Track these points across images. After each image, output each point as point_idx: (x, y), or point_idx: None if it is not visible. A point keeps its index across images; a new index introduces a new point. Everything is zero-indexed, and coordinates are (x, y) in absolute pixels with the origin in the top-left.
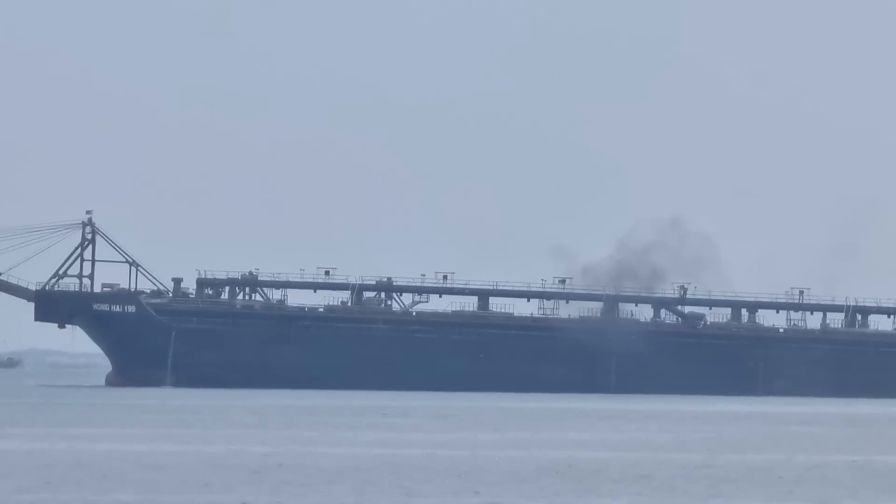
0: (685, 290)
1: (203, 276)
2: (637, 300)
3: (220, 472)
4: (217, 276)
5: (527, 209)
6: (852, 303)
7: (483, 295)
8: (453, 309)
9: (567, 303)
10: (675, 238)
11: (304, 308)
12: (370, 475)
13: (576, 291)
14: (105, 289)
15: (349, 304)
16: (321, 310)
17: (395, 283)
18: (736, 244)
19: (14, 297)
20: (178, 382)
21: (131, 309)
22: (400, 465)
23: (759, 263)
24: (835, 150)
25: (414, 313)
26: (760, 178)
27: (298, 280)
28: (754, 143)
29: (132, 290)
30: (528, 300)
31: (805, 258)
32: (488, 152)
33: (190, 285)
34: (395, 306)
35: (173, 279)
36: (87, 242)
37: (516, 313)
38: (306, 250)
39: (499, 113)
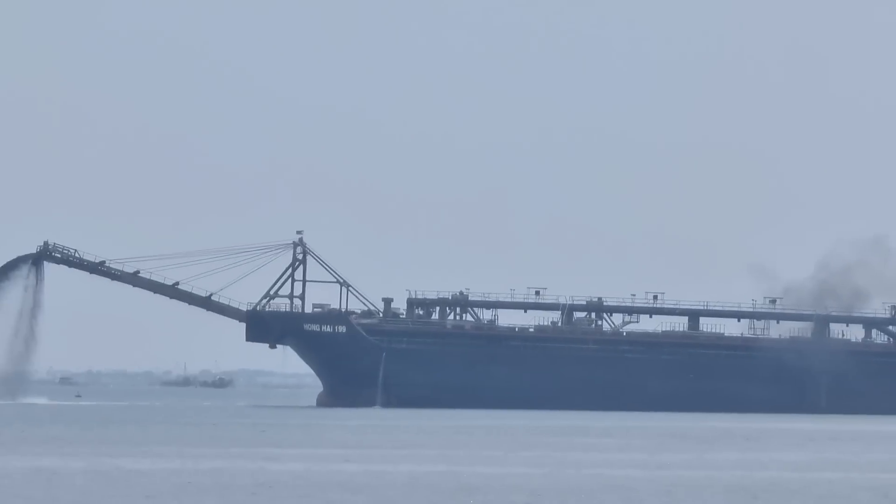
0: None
1: (413, 297)
2: (847, 320)
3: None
4: (427, 297)
5: (728, 227)
6: None
7: (693, 315)
8: (663, 329)
9: (777, 323)
10: (877, 257)
11: (514, 328)
12: (633, 494)
13: (786, 311)
14: (316, 309)
15: (559, 324)
16: (531, 330)
17: (605, 304)
18: None
19: (226, 318)
20: (389, 403)
21: (342, 329)
22: (675, 484)
23: None
24: None
25: (624, 333)
26: None
27: (509, 300)
28: None
29: (343, 310)
30: (739, 320)
31: None
32: (691, 172)
33: (400, 305)
34: (606, 326)
35: (384, 299)
36: (297, 263)
37: (726, 333)
38: (517, 270)
39: (701, 131)
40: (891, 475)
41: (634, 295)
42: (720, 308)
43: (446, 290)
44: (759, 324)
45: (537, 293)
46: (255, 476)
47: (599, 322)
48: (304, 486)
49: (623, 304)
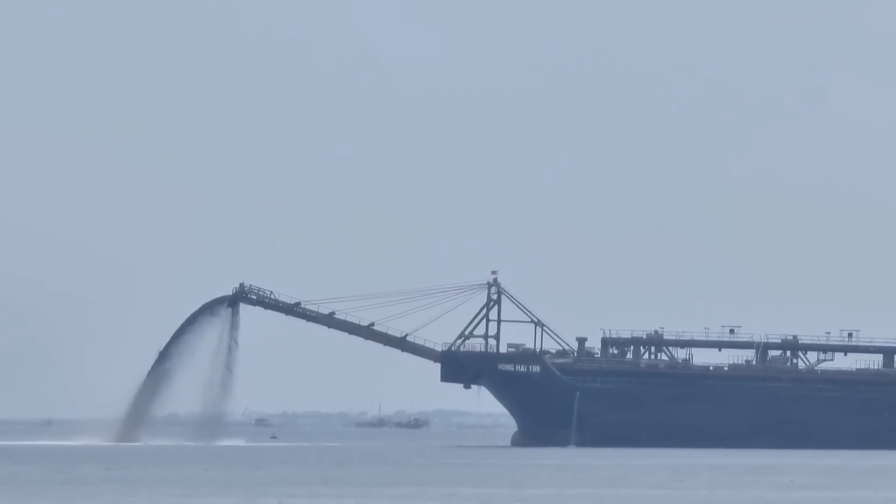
0: None
1: (608, 336)
2: None
3: None
4: (622, 336)
5: None
6: None
7: (888, 352)
8: (858, 367)
9: None
10: None
11: (708, 367)
12: None
13: None
14: (510, 349)
15: (754, 362)
16: (726, 368)
17: (800, 342)
18: None
19: (420, 359)
20: (583, 442)
21: (536, 369)
22: None
23: None
24: None
25: (819, 371)
26: None
27: (703, 339)
28: None
29: (537, 350)
30: None
31: None
32: (879, 204)
33: (595, 345)
34: (801, 365)
35: (577, 339)
36: (492, 303)
37: None
38: (711, 308)
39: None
40: None
41: (829, 333)
42: None
43: (640, 329)
44: None
45: (731, 331)
46: None
47: (794, 360)
48: None
49: (818, 342)
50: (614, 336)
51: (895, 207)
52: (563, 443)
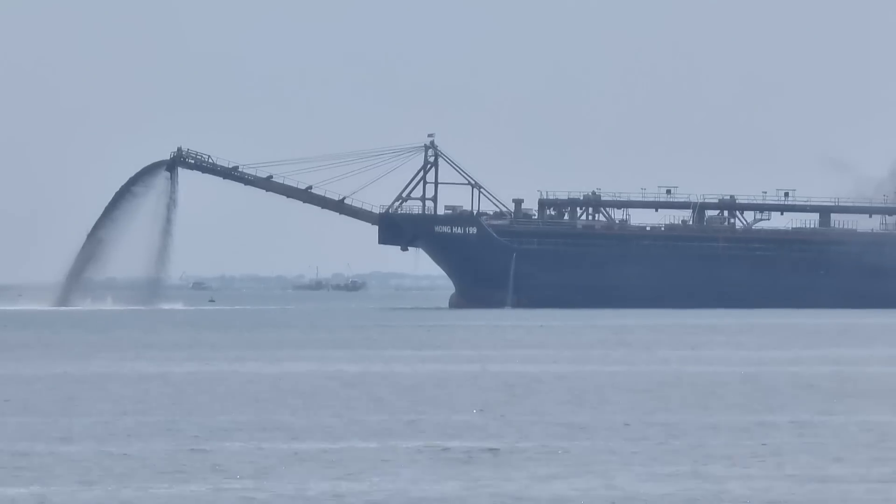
0: None
1: (545, 197)
2: None
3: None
4: (559, 197)
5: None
6: None
7: (824, 211)
8: (794, 226)
9: None
10: None
11: (645, 227)
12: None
13: None
14: (447, 211)
15: (690, 222)
16: (662, 228)
17: (737, 201)
18: None
19: (358, 221)
20: (520, 303)
21: (473, 231)
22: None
23: None
24: None
25: (755, 230)
26: None
27: (640, 199)
28: None
29: (474, 212)
30: (870, 216)
31: None
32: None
33: (532, 206)
34: (738, 224)
35: (514, 200)
36: (429, 165)
37: (859, 229)
38: (648, 169)
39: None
40: None
41: (766, 192)
42: (851, 204)
43: (578, 190)
44: (892, 219)
45: (668, 192)
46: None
47: (731, 220)
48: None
49: (754, 202)
50: (551, 197)
51: (833, 65)
52: (499, 304)
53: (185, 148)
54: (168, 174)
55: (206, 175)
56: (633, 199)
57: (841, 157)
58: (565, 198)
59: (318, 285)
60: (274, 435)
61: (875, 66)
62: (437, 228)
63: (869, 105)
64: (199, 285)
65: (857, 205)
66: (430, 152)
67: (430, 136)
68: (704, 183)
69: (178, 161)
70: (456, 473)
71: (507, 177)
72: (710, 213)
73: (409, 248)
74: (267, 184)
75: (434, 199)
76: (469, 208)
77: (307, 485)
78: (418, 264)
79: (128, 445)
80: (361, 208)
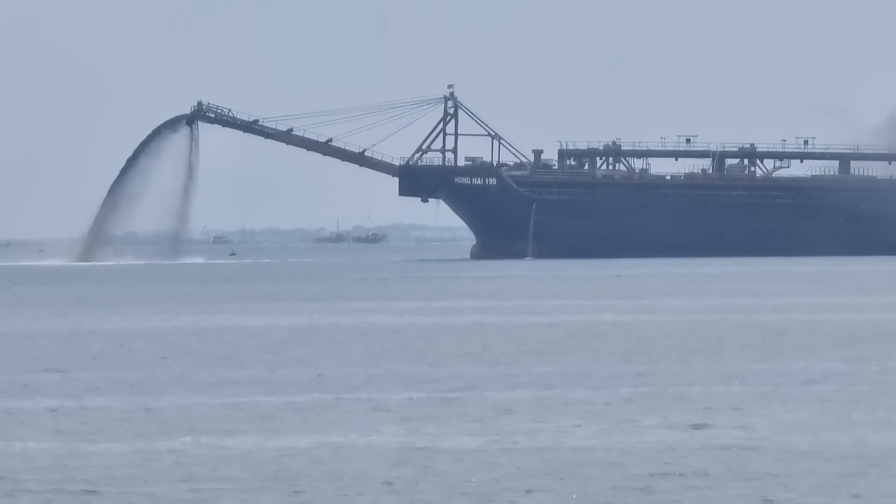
0: None
1: (564, 148)
2: None
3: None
4: (578, 147)
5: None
6: None
7: (844, 159)
8: (813, 174)
9: None
10: None
11: (665, 176)
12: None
13: None
14: (467, 162)
15: (710, 171)
16: (682, 177)
17: (756, 149)
18: None
19: (378, 173)
20: (540, 254)
21: (492, 182)
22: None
23: None
24: None
25: (775, 178)
26: None
27: (660, 149)
28: None
29: (494, 163)
30: (890, 163)
31: None
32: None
33: (552, 157)
34: (757, 172)
35: (534, 151)
36: (449, 117)
37: (879, 176)
38: (667, 118)
39: None
40: None
41: (785, 140)
42: (869, 151)
43: (597, 140)
44: None
45: (688, 141)
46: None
47: (751, 168)
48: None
49: (774, 150)
50: (571, 148)
51: (849, 18)
52: (520, 255)
53: (205, 102)
54: (189, 128)
55: (227, 129)
56: (652, 148)
57: (835, 103)
58: (585, 148)
59: (338, 238)
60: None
61: (873, 18)
62: (457, 180)
63: (865, 53)
64: (219, 239)
65: (876, 152)
66: (450, 104)
67: (449, 87)
68: (724, 132)
69: (199, 115)
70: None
71: (527, 128)
72: (729, 161)
73: (429, 199)
74: (287, 137)
75: (454, 151)
76: (489, 159)
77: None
78: (439, 216)
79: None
80: (382, 160)
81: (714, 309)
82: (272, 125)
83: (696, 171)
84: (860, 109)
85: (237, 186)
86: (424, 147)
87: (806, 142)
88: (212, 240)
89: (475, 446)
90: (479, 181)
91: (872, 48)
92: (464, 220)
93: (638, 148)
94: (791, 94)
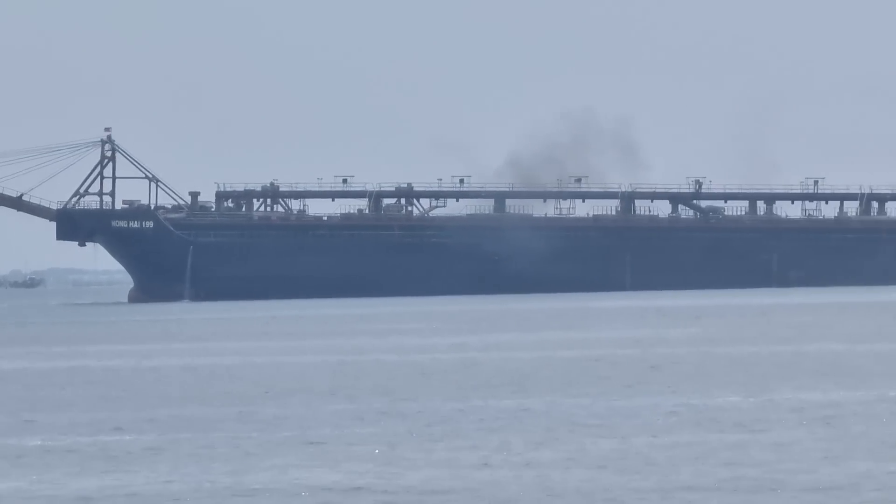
0: (700, 185)
1: (222, 189)
2: (653, 196)
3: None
4: (236, 189)
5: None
6: (867, 191)
7: (500, 197)
8: (468, 212)
9: (583, 201)
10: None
11: (321, 217)
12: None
13: (591, 190)
14: (125, 205)
15: (366, 211)
16: (339, 217)
17: (414, 189)
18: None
19: (36, 218)
20: (197, 296)
21: (149, 225)
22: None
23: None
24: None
25: (432, 217)
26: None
27: (317, 189)
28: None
29: (151, 205)
30: (545, 201)
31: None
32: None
33: (210, 199)
34: (416, 212)
35: (190, 193)
36: (106, 160)
37: (535, 214)
38: (324, 159)
39: None
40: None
41: (441, 179)
42: (524, 189)
43: (255, 181)
44: (565, 203)
45: (345, 181)
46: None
47: (410, 208)
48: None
49: (430, 189)
50: (228, 189)
51: (474, 57)
52: (177, 297)
53: None
54: None
55: None
56: (310, 189)
57: (457, 140)
58: (242, 189)
59: None
60: None
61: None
62: (114, 223)
63: (488, 96)
64: None
65: (530, 190)
66: (108, 147)
67: (106, 130)
68: (381, 171)
69: None
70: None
71: (185, 170)
72: (386, 201)
73: (86, 243)
74: None
75: (112, 194)
76: (147, 202)
77: None
78: (97, 259)
79: None
80: (39, 205)
81: (357, 349)
82: None
83: (353, 211)
84: (481, 149)
85: None
86: (82, 191)
87: (462, 180)
88: None
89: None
90: (135, 224)
91: (493, 90)
92: (122, 263)
93: (295, 189)
94: (415, 133)
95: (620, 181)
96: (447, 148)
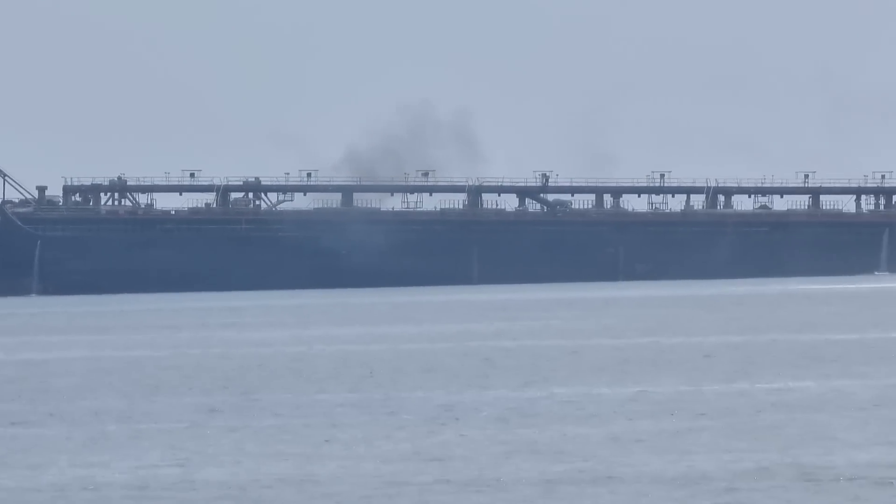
0: (547, 179)
1: (70, 184)
2: (500, 190)
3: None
4: (84, 183)
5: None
6: (713, 184)
7: (347, 191)
8: (316, 206)
9: (430, 195)
10: (424, 124)
11: (169, 211)
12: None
13: (438, 184)
14: None
15: (213, 205)
16: (186, 212)
17: (261, 183)
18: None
19: None
20: (46, 290)
21: None
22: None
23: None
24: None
25: (279, 211)
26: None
27: (164, 183)
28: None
29: None
30: (392, 195)
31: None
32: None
33: (58, 193)
34: (264, 206)
35: (37, 187)
36: None
37: (382, 208)
38: (172, 153)
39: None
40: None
41: (288, 174)
42: (371, 183)
43: (103, 175)
44: (413, 197)
45: (192, 175)
46: None
47: (258, 202)
48: None
49: (278, 183)
50: (76, 184)
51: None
52: (24, 292)
53: None
54: None
55: None
56: (157, 183)
57: (295, 133)
58: (90, 184)
59: None
60: None
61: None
62: None
63: (324, 87)
64: None
65: (378, 184)
66: None
67: None
68: (228, 166)
69: None
70: None
71: (33, 164)
72: (234, 195)
73: None
74: None
75: None
76: None
77: None
78: None
79: None
80: None
81: (195, 342)
82: None
83: (200, 205)
84: (320, 142)
85: None
86: None
87: (309, 174)
88: None
89: None
90: None
91: (329, 81)
92: None
93: (143, 183)
94: (256, 127)
95: (467, 175)
96: (285, 141)
